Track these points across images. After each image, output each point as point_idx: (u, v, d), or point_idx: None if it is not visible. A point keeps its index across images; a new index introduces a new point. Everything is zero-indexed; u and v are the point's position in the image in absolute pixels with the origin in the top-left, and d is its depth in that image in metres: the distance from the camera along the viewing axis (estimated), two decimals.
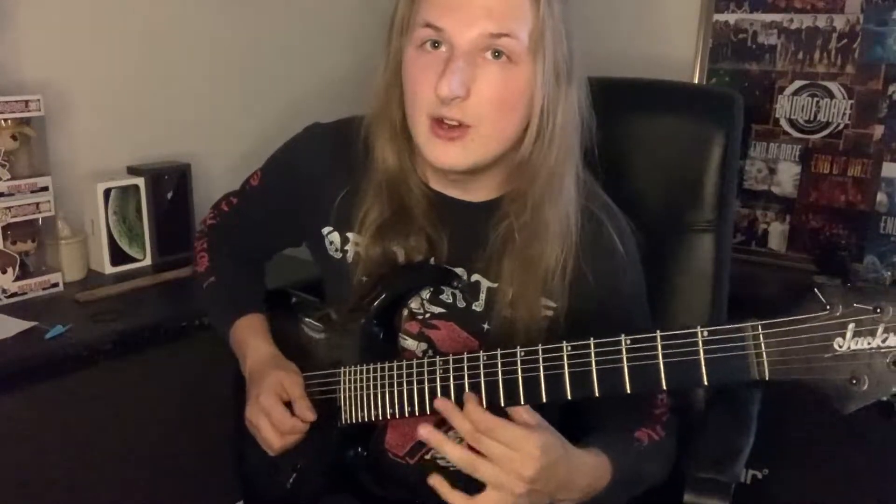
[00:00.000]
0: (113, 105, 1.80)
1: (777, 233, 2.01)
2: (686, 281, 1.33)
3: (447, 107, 0.90)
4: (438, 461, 1.07)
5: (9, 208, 1.53)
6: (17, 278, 1.56)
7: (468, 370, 0.89)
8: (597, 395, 0.81)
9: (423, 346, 1.06)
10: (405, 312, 1.06)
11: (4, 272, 1.54)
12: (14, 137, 1.56)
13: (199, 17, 1.93)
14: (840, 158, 1.90)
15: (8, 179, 1.55)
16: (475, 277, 1.03)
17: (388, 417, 0.97)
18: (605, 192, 1.07)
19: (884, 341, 0.67)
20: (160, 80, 1.88)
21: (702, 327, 0.76)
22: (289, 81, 2.14)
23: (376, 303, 1.03)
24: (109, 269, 1.74)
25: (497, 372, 0.87)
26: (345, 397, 1.02)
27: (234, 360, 1.16)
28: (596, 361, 0.81)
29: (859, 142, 1.87)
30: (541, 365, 0.84)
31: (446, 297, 1.05)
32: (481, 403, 0.86)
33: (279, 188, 1.15)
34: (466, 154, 0.93)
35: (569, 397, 0.83)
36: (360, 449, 1.05)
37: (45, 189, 1.59)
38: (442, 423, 0.89)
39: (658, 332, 0.78)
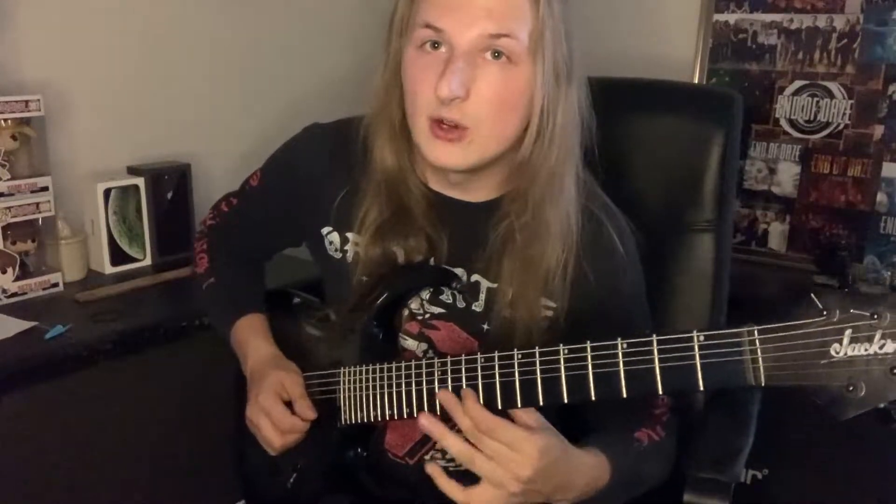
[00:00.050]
0: (113, 105, 1.80)
1: (777, 233, 2.01)
2: (686, 281, 1.33)
3: (447, 108, 0.90)
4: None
5: (9, 208, 1.53)
6: (17, 278, 1.56)
7: (466, 372, 0.89)
8: (593, 398, 0.81)
9: (424, 346, 1.06)
10: (405, 313, 1.06)
11: (4, 272, 1.54)
12: (14, 137, 1.56)
13: (199, 17, 1.93)
14: (840, 158, 1.90)
15: (8, 179, 1.55)
16: (475, 278, 1.03)
17: (387, 419, 0.97)
18: (605, 192, 1.07)
19: (881, 348, 0.67)
20: (160, 80, 1.88)
21: (698, 332, 0.75)
22: (289, 81, 2.14)
23: (376, 303, 1.03)
24: (109, 269, 1.74)
25: (494, 374, 0.86)
26: (344, 397, 1.02)
27: (234, 360, 1.16)
28: (593, 365, 0.81)
29: (859, 142, 1.87)
30: (538, 368, 0.84)
31: (446, 297, 1.05)
32: (479, 401, 0.86)
33: (279, 188, 1.15)
34: (466, 154, 0.93)
35: (565, 401, 0.82)
36: (359, 449, 1.05)
37: (45, 189, 1.59)
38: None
39: (654, 336, 0.78)
